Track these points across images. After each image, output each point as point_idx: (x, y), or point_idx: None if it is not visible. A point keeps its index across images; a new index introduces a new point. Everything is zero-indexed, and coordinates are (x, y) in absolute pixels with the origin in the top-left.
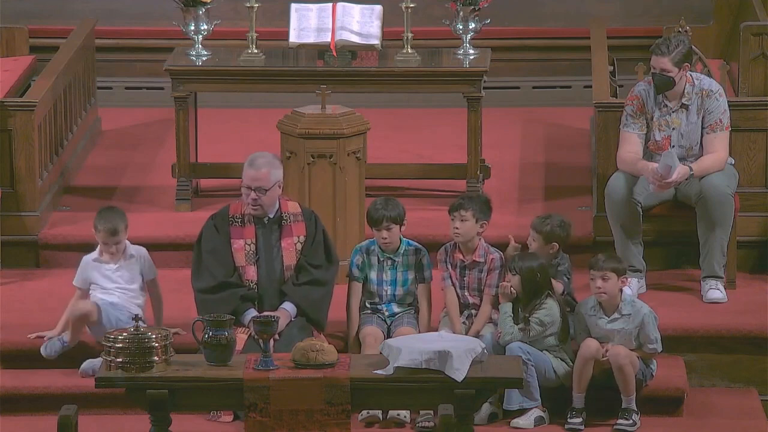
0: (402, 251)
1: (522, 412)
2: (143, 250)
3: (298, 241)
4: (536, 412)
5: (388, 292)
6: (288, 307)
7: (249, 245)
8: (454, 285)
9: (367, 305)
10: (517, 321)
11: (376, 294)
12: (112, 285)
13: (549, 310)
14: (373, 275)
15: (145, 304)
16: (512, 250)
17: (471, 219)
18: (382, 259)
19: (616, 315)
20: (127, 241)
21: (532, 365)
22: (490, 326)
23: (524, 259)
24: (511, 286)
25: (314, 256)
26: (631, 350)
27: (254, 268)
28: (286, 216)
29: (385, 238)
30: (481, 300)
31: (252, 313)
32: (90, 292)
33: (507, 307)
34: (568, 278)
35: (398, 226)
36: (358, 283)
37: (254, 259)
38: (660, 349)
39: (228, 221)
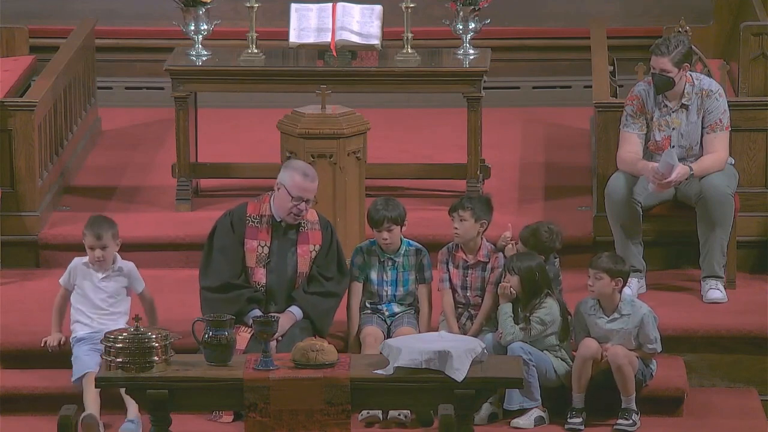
0: (403, 252)
1: (522, 412)
2: (131, 264)
3: (314, 249)
4: (536, 412)
5: (389, 293)
6: (295, 311)
7: (262, 247)
8: (455, 286)
9: (368, 305)
10: (518, 321)
11: (376, 294)
12: (96, 296)
13: (549, 309)
14: (373, 275)
15: (130, 313)
16: (505, 240)
17: (470, 219)
18: (383, 259)
19: (615, 315)
20: (118, 255)
21: (533, 365)
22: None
23: (522, 259)
24: (510, 287)
25: (327, 267)
26: (631, 350)
27: (264, 271)
28: (304, 223)
29: (386, 239)
30: (482, 301)
31: (256, 314)
32: (72, 297)
33: (507, 308)
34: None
35: (399, 226)
36: (358, 283)
37: (265, 261)
38: (660, 349)
39: (245, 220)
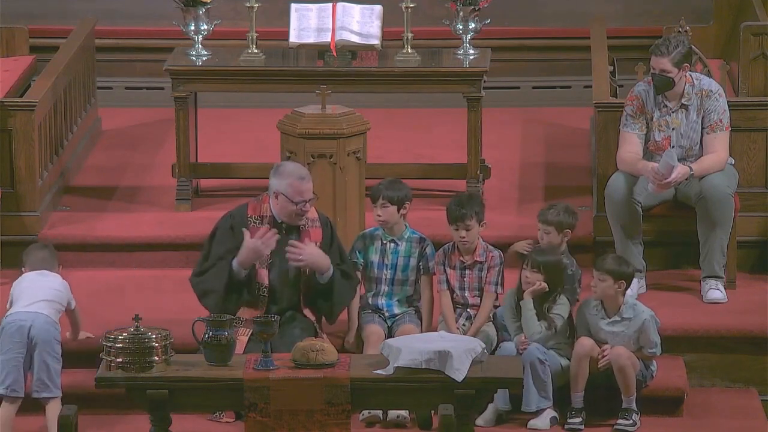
0: (405, 237)
1: (537, 413)
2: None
3: (316, 246)
4: (550, 413)
5: (388, 276)
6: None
7: None
8: (453, 287)
9: (369, 302)
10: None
11: (374, 280)
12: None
13: (564, 304)
14: (374, 257)
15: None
16: (521, 247)
17: (475, 225)
18: (384, 242)
19: (616, 318)
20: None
21: (548, 365)
22: (491, 326)
23: (545, 254)
24: (541, 283)
25: (333, 259)
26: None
27: (266, 271)
28: (304, 221)
29: (380, 215)
30: (481, 300)
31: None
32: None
33: (530, 304)
34: (575, 275)
35: (395, 206)
36: (357, 271)
37: (267, 262)
38: (660, 352)
39: (246, 221)
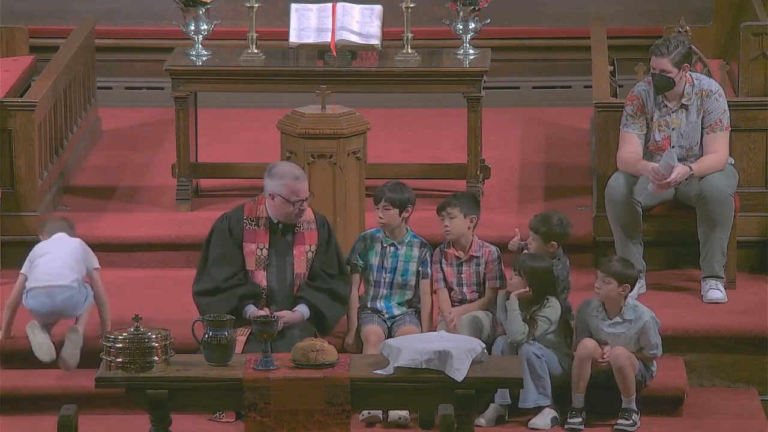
0: (407, 241)
1: (537, 411)
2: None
3: (310, 249)
4: (551, 413)
5: (387, 280)
6: (303, 310)
7: (261, 249)
8: (450, 284)
9: (368, 305)
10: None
11: (373, 283)
12: None
13: (555, 307)
14: (374, 260)
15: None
16: (515, 245)
17: (459, 215)
18: (385, 245)
19: (618, 319)
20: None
21: (544, 360)
22: (487, 317)
23: (533, 260)
24: (528, 290)
25: (329, 264)
26: (631, 352)
27: (264, 273)
28: (300, 223)
29: (381, 218)
30: (479, 296)
31: (252, 308)
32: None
33: (516, 305)
34: (562, 279)
35: (396, 210)
36: (357, 273)
37: (265, 263)
38: (660, 353)
39: (242, 223)
